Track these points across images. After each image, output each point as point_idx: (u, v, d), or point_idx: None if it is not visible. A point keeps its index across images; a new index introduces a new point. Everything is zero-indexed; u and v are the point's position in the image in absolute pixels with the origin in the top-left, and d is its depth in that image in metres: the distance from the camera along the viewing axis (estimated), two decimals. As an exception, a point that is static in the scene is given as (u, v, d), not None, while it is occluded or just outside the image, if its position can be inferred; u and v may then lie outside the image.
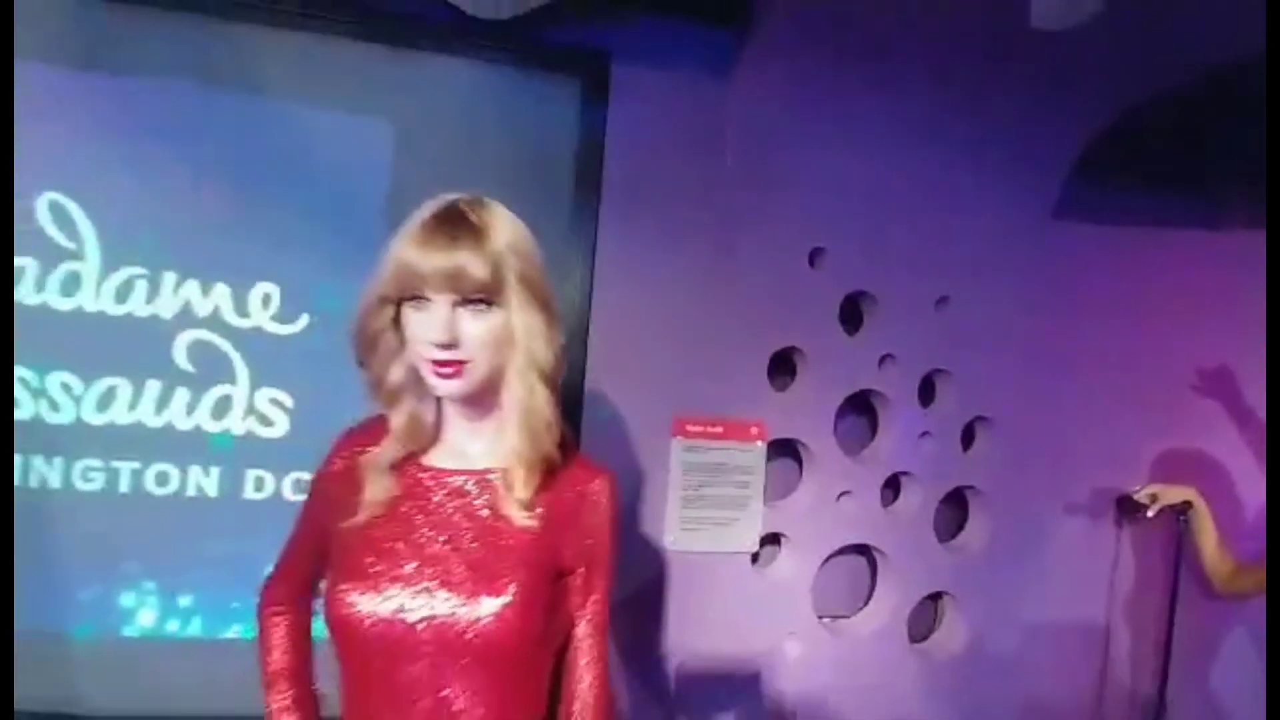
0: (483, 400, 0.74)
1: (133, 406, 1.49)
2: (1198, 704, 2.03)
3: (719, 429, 1.67)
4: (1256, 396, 2.04)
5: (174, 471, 1.51)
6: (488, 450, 0.75)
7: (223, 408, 1.52)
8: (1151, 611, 2.03)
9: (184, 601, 1.53)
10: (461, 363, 0.68)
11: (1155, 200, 1.92)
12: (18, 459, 1.46)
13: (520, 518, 0.71)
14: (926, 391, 1.89)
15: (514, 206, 1.62)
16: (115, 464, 1.49)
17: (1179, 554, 1.89)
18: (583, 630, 0.76)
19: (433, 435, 0.77)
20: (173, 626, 1.53)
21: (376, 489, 0.72)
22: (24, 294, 1.46)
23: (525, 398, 0.71)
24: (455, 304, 0.68)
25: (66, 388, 1.47)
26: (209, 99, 1.50)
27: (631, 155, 1.62)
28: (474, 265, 0.67)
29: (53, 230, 1.46)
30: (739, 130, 1.66)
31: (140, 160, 1.48)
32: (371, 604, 0.67)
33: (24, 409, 1.46)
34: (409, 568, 0.69)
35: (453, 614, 0.67)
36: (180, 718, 1.53)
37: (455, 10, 1.42)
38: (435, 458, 0.76)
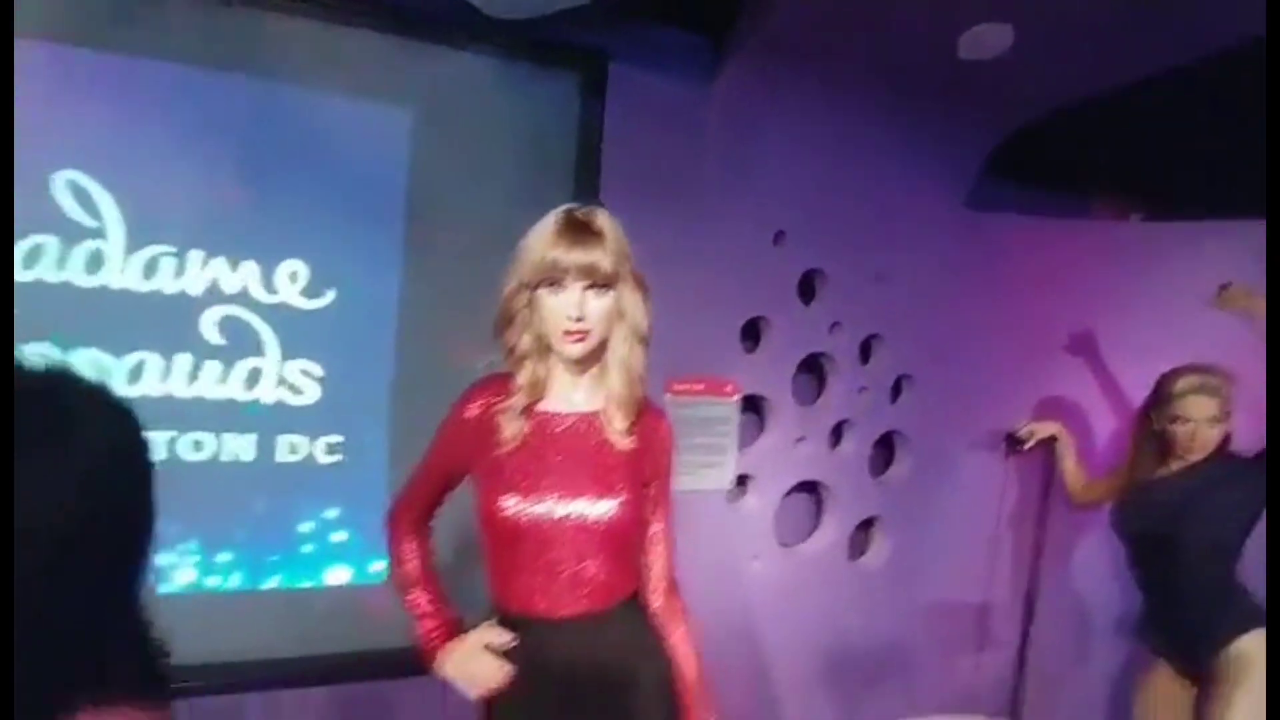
0: (585, 360, 0.97)
1: (164, 379, 1.57)
2: (1065, 593, 2.59)
3: (700, 386, 1.96)
4: (1108, 354, 2.57)
5: (209, 439, 1.61)
6: (587, 397, 0.99)
7: (254, 378, 1.62)
8: (1029, 524, 2.54)
9: (224, 558, 1.65)
10: (586, 332, 0.92)
11: (1047, 195, 2.35)
12: (48, 432, 1.51)
13: (622, 443, 0.96)
14: (864, 353, 2.25)
15: (521, 188, 1.80)
16: (148, 434, 1.57)
17: (1049, 476, 2.39)
18: (655, 527, 1.05)
19: (545, 388, 0.99)
20: (213, 581, 1.64)
21: (514, 429, 0.95)
22: (44, 272, 1.49)
23: (627, 356, 0.97)
24: (584, 288, 0.90)
25: (96, 363, 1.53)
26: (235, 83, 1.56)
27: (626, 145, 1.82)
28: (604, 261, 0.91)
29: (73, 209, 1.49)
30: (717, 125, 1.90)
31: (166, 142, 1.53)
32: (525, 508, 0.92)
33: (51, 383, 1.51)
34: (548, 482, 0.93)
35: (584, 512, 0.93)
36: (222, 664, 1.66)
37: (470, 7, 1.56)
38: (549, 405, 1.00)
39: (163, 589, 1.61)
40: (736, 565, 2.09)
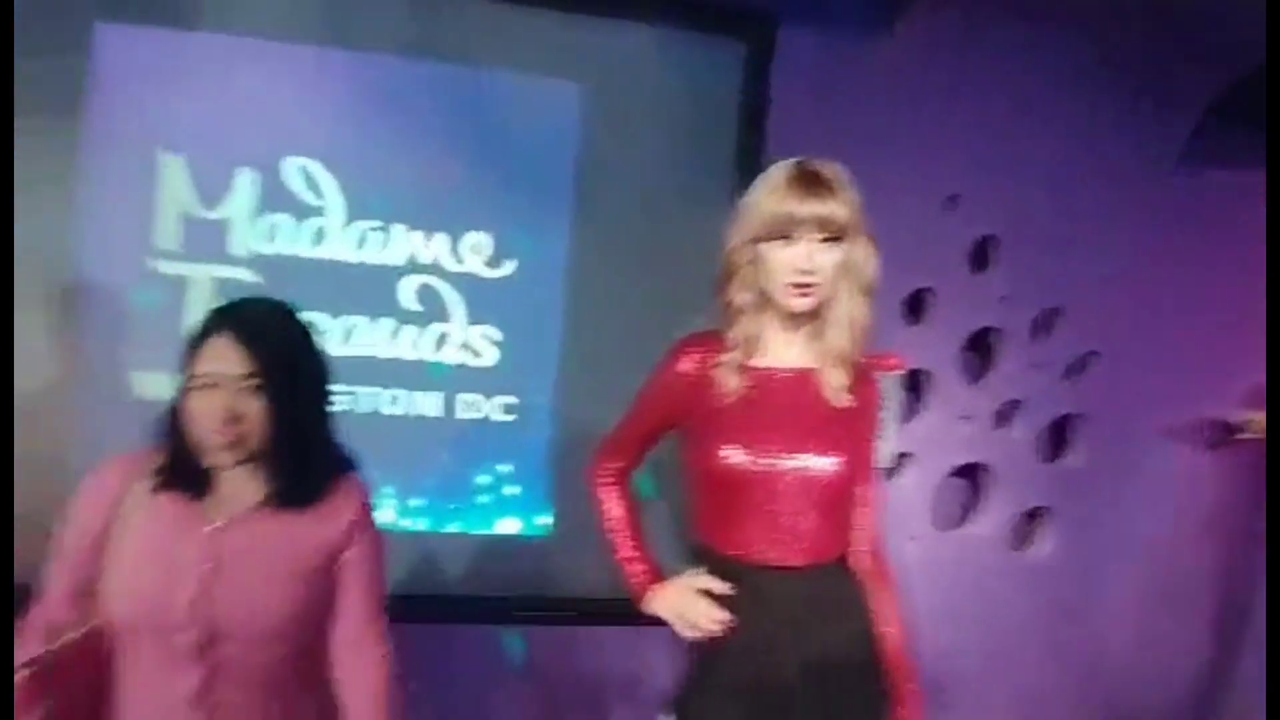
0: (802, 316, 0.97)
1: (371, 340, 1.77)
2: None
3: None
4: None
5: (404, 395, 1.79)
6: (800, 354, 0.99)
7: (441, 341, 1.78)
8: (1235, 530, 2.24)
9: (415, 503, 1.83)
10: (815, 285, 0.91)
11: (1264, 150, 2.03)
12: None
13: (840, 400, 0.96)
14: (1041, 328, 2.07)
15: (686, 158, 1.82)
16: (356, 389, 1.78)
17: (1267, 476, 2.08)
18: (865, 488, 1.04)
19: (759, 344, 1.00)
20: (407, 523, 1.84)
21: (732, 384, 0.97)
22: (280, 246, 1.72)
23: (853, 311, 0.95)
24: (818, 240, 0.90)
25: (318, 325, 1.75)
26: (427, 70, 1.71)
27: (791, 110, 1.79)
28: (839, 212, 0.90)
29: (303, 190, 1.71)
30: (890, 84, 1.81)
31: (374, 127, 1.71)
32: (748, 459, 0.94)
33: (284, 342, 1.75)
34: (769, 435, 0.95)
35: (806, 466, 0.94)
36: (415, 595, 1.86)
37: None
38: (764, 360, 1.00)
39: (367, 526, 1.83)
40: (892, 544, 2.02)
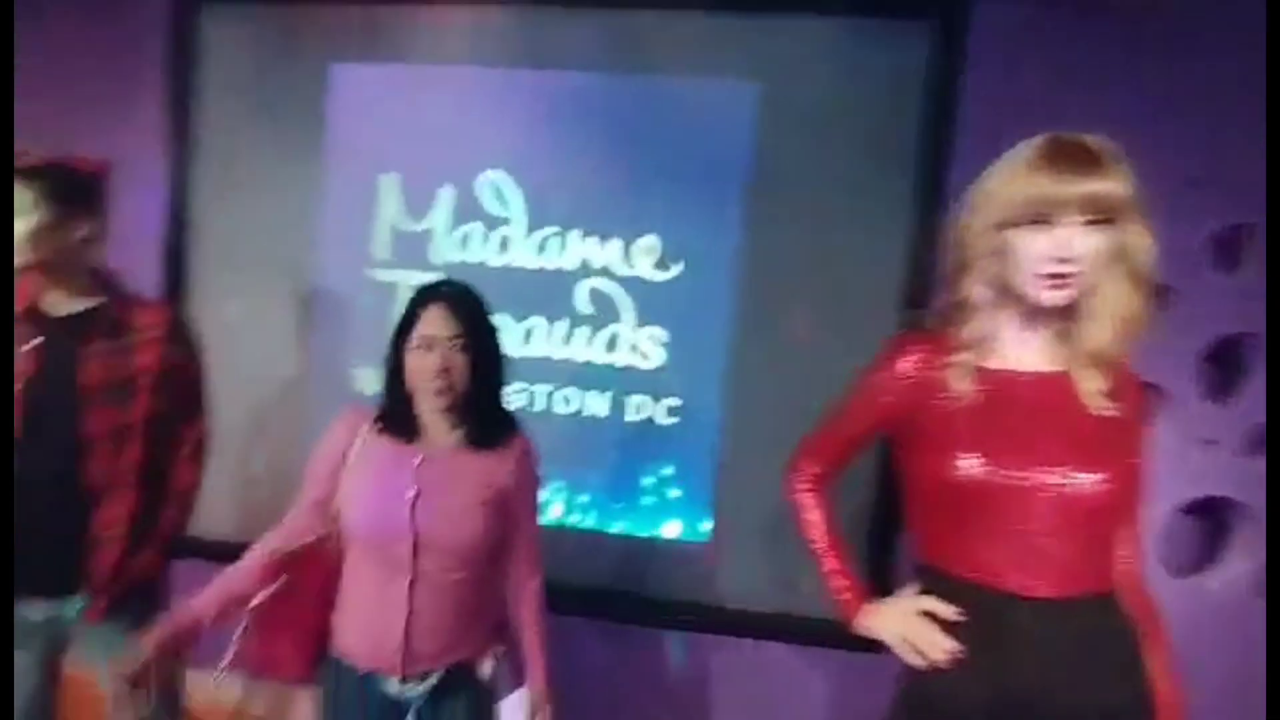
0: (1047, 313, 0.85)
1: (547, 341, 1.86)
2: None
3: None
4: None
5: (575, 394, 1.86)
6: (1042, 353, 0.87)
7: (611, 343, 1.84)
8: None
9: (582, 499, 1.90)
10: (1073, 275, 0.79)
11: None
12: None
13: (1100, 408, 0.83)
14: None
15: (868, 150, 1.72)
16: (533, 387, 1.88)
17: None
18: (1133, 511, 0.89)
19: (994, 344, 0.89)
20: (574, 519, 1.91)
21: (964, 386, 0.87)
22: (471, 254, 1.88)
23: (1121, 304, 0.81)
24: (1081, 224, 0.78)
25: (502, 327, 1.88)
26: (611, 83, 1.79)
27: (988, 93, 1.63)
28: (1108, 189, 0.78)
29: (492, 202, 1.85)
30: (1102, 57, 1.59)
31: (556, 140, 1.81)
32: (988, 470, 0.83)
33: (471, 342, 1.90)
34: (1014, 445, 0.84)
35: (1059, 483, 0.81)
36: (581, 588, 1.93)
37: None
38: (999, 362, 0.89)
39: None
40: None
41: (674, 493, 1.85)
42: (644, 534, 1.87)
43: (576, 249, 1.82)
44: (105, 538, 1.25)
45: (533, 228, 1.84)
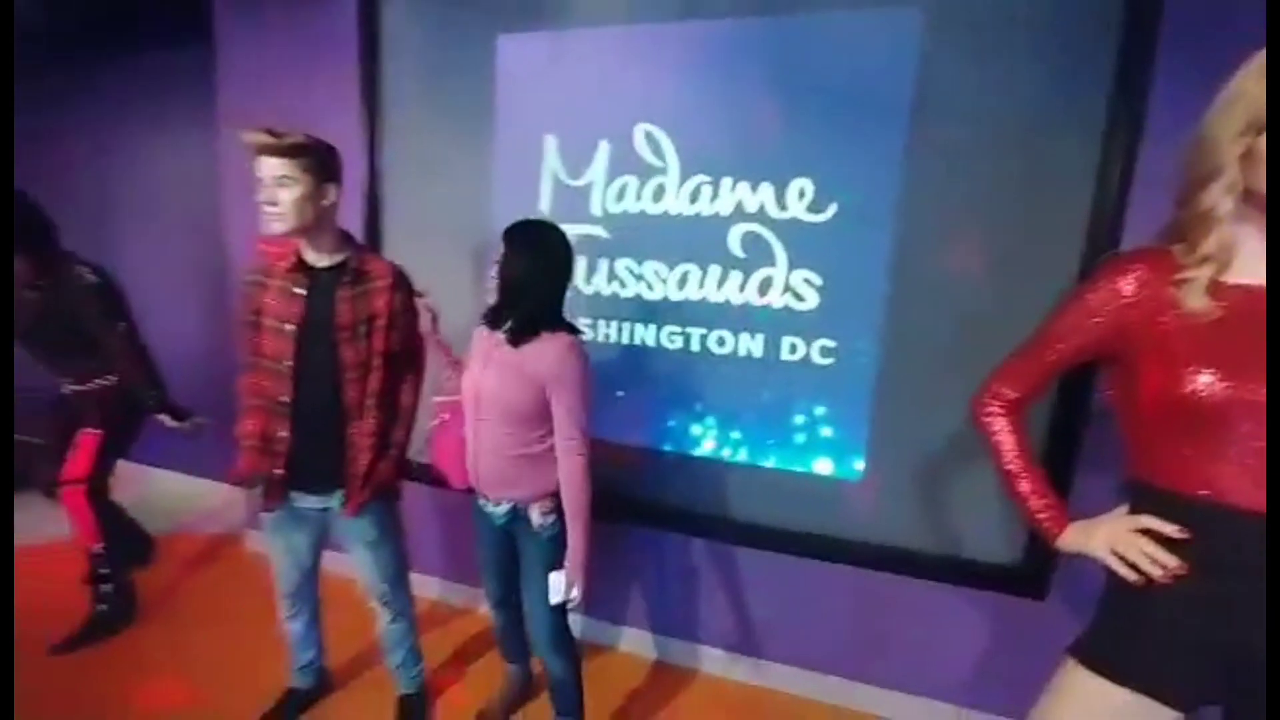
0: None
1: (701, 286, 1.95)
2: None
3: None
4: None
5: (729, 336, 1.95)
6: None
7: (766, 286, 1.89)
8: None
9: (734, 435, 2.00)
10: None
11: None
12: (626, 326, 2.06)
13: None
14: None
15: (1046, 79, 1.61)
16: (689, 330, 1.99)
17: None
18: None
19: (1233, 257, 0.85)
20: (726, 453, 2.02)
21: (1200, 303, 0.84)
22: (628, 204, 2.00)
23: None
24: None
25: (657, 273, 2.00)
26: (763, 27, 1.78)
27: (1195, 8, 1.46)
28: None
29: (646, 153, 1.95)
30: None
31: (709, 89, 1.85)
32: (1228, 386, 0.81)
33: (629, 289, 2.04)
34: (1253, 363, 0.81)
35: None
36: (726, 519, 2.05)
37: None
38: (1236, 277, 0.85)
39: (694, 451, 2.06)
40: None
41: (826, 431, 1.90)
42: (796, 469, 1.95)
43: (729, 195, 1.88)
44: (359, 447, 1.54)
45: (686, 176, 1.91)
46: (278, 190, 1.39)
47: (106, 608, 2.18)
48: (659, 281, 1.99)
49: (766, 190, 1.84)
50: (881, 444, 1.87)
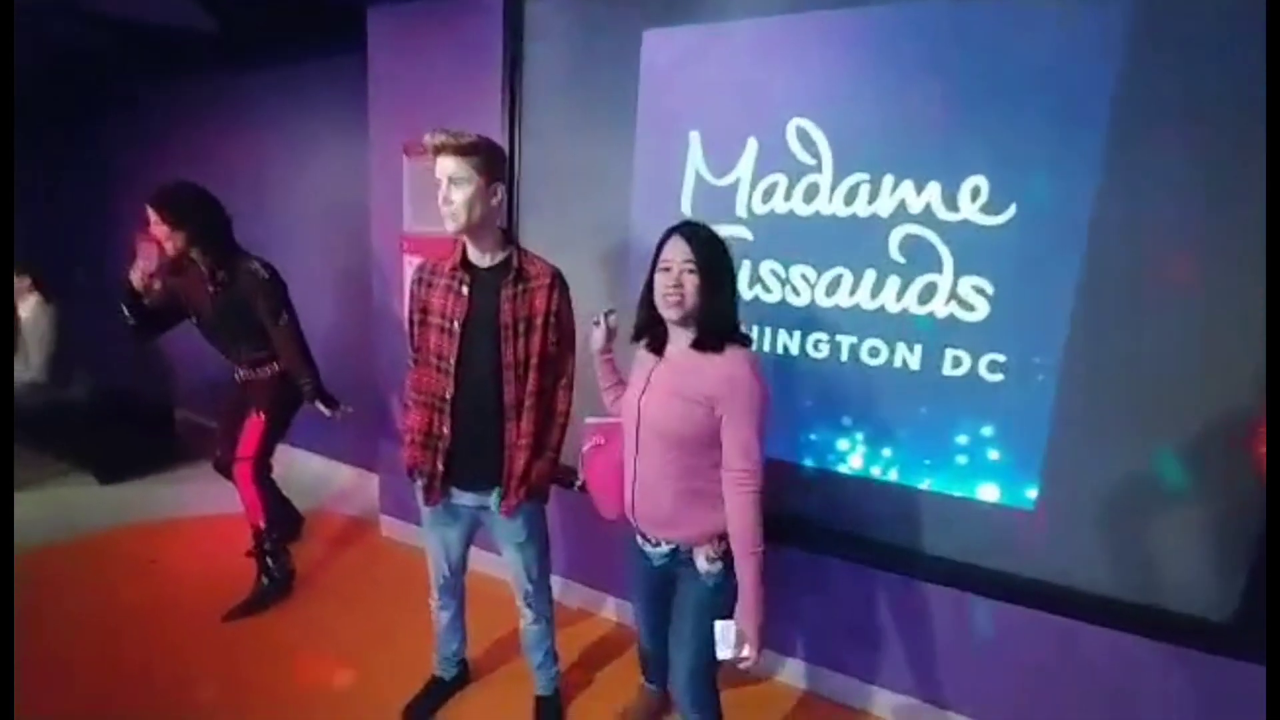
0: None
1: (853, 292, 1.83)
2: None
3: None
4: None
5: (883, 346, 1.81)
6: None
7: (928, 293, 1.74)
8: None
9: (885, 453, 1.87)
10: None
11: None
12: (768, 332, 1.97)
13: None
14: None
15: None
16: (838, 338, 1.87)
17: None
18: None
19: None
20: (875, 471, 1.89)
21: None
22: (775, 204, 1.91)
23: None
24: None
25: (805, 278, 1.89)
26: (928, 9, 1.63)
27: None
28: None
29: (798, 150, 1.85)
30: None
31: (862, 80, 1.72)
32: None
33: (773, 294, 1.94)
34: None
35: None
36: (871, 540, 1.92)
37: None
38: None
39: (838, 467, 1.94)
40: None
41: (993, 454, 1.73)
42: (956, 493, 1.79)
43: (890, 195, 1.74)
44: (516, 448, 1.55)
45: (842, 175, 1.79)
46: (452, 190, 1.41)
47: (268, 581, 2.35)
48: (806, 286, 1.89)
49: (933, 189, 1.69)
50: (1060, 471, 1.67)
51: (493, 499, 1.58)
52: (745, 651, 1.29)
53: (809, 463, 1.97)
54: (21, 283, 3.25)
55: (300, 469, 3.61)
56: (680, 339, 1.36)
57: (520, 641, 1.84)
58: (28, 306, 3.27)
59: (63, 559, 2.62)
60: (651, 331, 1.42)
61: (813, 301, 1.89)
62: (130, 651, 2.10)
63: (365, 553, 2.84)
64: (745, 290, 1.97)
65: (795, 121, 1.84)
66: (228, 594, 2.35)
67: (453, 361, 1.50)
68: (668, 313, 1.33)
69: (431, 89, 2.47)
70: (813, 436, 1.95)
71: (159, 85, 3.97)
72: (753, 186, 1.92)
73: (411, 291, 1.58)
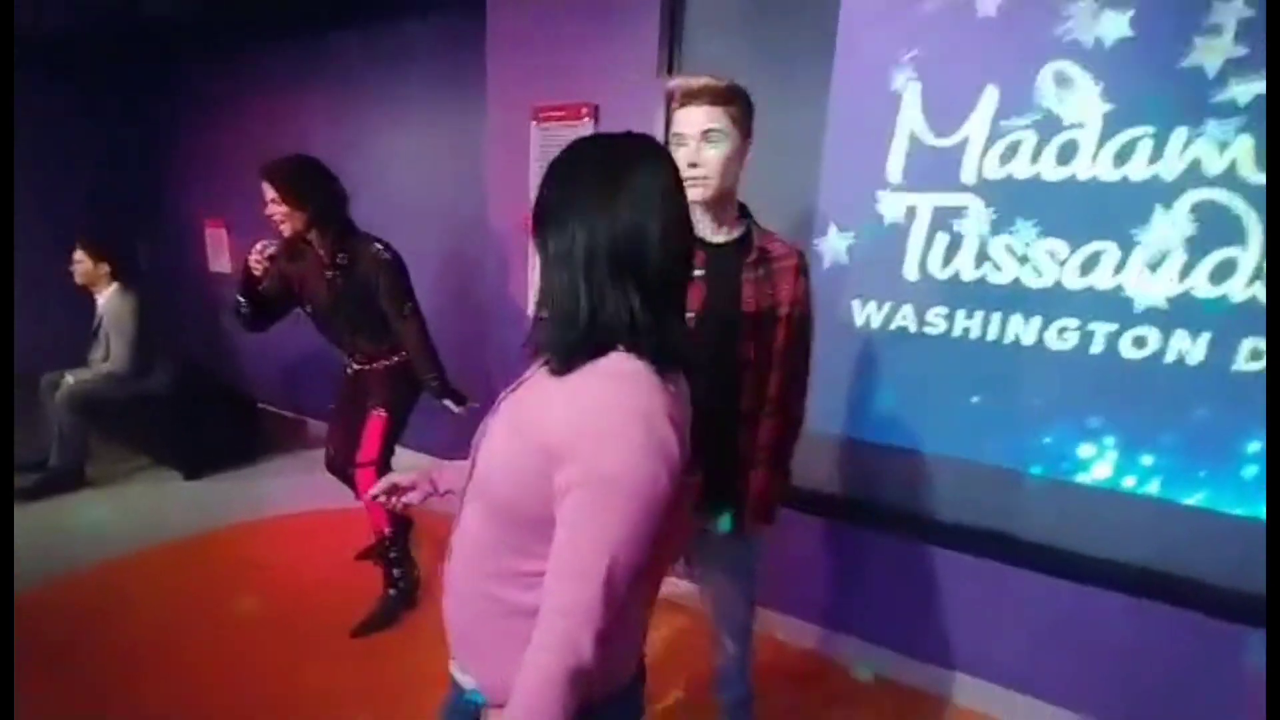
0: None
1: (1117, 270, 1.54)
2: None
3: None
4: None
5: (1153, 335, 1.52)
6: None
7: (1224, 271, 1.44)
8: None
9: (1146, 460, 1.58)
10: None
11: None
12: (996, 316, 1.69)
13: None
14: None
15: None
16: (1091, 325, 1.58)
17: None
18: None
19: None
20: (1129, 482, 1.61)
21: None
22: (1016, 168, 1.61)
23: None
24: None
25: (1051, 254, 1.60)
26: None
27: None
28: None
29: (1053, 101, 1.54)
30: None
31: (1152, 14, 1.42)
32: None
33: (1005, 273, 1.66)
34: None
35: None
36: (1120, 563, 1.65)
37: None
38: None
39: (1077, 477, 1.66)
40: None
41: (1296, 465, 1.45)
42: (1237, 512, 1.51)
43: (1180, 153, 1.43)
44: (753, 461, 1.29)
45: (1113, 130, 1.49)
46: (704, 148, 1.13)
47: (395, 591, 2.14)
48: (1053, 265, 1.59)
49: (1245, 144, 1.39)
50: (1387, 487, 1.39)
51: (722, 521, 1.33)
52: None
53: (1037, 470, 1.69)
54: (100, 269, 3.04)
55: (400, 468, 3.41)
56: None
57: (715, 678, 1.61)
58: (106, 295, 3.06)
59: (158, 564, 2.44)
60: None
61: (1058, 282, 1.60)
62: (257, 669, 1.90)
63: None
64: (968, 269, 1.68)
65: (1052, 65, 1.53)
66: (347, 602, 2.15)
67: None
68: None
69: (565, 38, 2.18)
70: (1046, 440, 1.67)
71: (231, 51, 3.71)
72: (987, 146, 1.62)
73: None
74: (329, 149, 3.30)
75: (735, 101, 1.13)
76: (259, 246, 1.92)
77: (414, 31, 2.96)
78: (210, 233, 4.12)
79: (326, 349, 2.29)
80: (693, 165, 1.14)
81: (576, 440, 0.64)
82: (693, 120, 1.13)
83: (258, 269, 1.93)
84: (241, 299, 2.00)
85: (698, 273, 1.23)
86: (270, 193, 1.88)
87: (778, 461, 1.33)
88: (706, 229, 1.25)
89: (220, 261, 4.11)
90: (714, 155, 1.13)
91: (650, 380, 0.69)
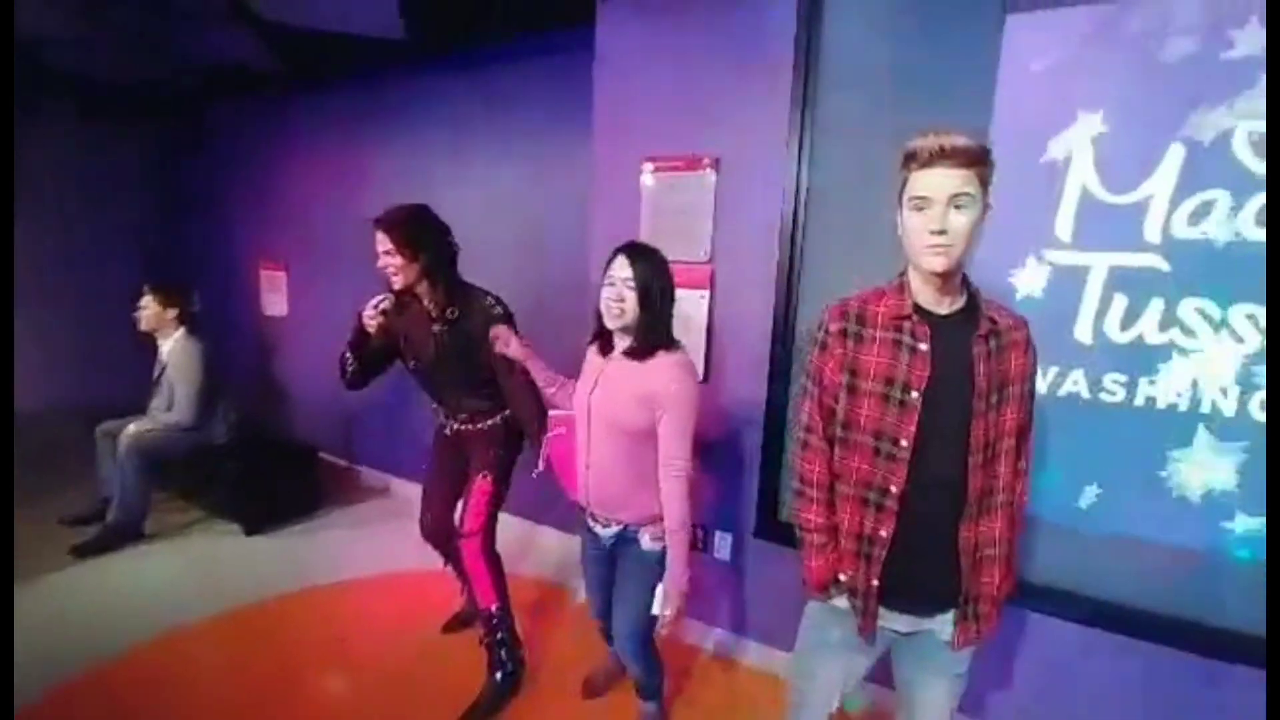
0: None
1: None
2: None
3: None
4: None
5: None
6: None
7: None
8: None
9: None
10: None
11: None
12: (1183, 388, 1.56)
13: None
14: None
15: None
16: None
17: None
18: None
19: None
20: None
21: None
22: (1210, 227, 1.49)
23: None
24: None
25: (1251, 318, 1.48)
26: None
27: None
28: None
29: (1248, 160, 1.45)
30: None
31: None
32: None
33: (1197, 337, 1.52)
34: None
35: None
36: (1191, 622, 1.47)
37: None
38: None
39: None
40: None
41: None
42: None
43: None
44: (979, 556, 1.15)
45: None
46: (950, 214, 1.03)
47: (501, 676, 1.96)
48: (1252, 329, 1.48)
49: None
50: None
51: (945, 627, 1.18)
52: (666, 611, 1.51)
53: (1244, 555, 1.54)
54: (168, 314, 2.95)
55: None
56: (623, 345, 1.53)
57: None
58: (171, 341, 2.96)
59: (230, 632, 2.27)
60: (603, 336, 1.59)
61: (1258, 351, 1.48)
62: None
63: (566, 625, 2.43)
64: (1152, 333, 1.56)
65: (1247, 125, 1.44)
66: (444, 684, 1.97)
67: (907, 444, 1.11)
68: (610, 323, 1.49)
69: (684, 84, 2.11)
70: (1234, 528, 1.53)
71: (293, 95, 3.70)
72: (1173, 205, 1.52)
73: (826, 343, 1.20)
74: (411, 197, 3.28)
75: (986, 162, 1.03)
76: (374, 301, 1.82)
77: (511, 68, 2.92)
78: (266, 275, 4.05)
79: (380, 395, 2.16)
80: (938, 233, 1.03)
81: (664, 390, 1.44)
82: (941, 184, 1.02)
83: (371, 325, 1.82)
84: (349, 355, 1.89)
85: (922, 347, 1.11)
86: (385, 243, 1.79)
87: (1011, 555, 1.19)
88: (929, 299, 1.13)
89: (276, 305, 4.03)
90: (962, 222, 1.03)
91: (690, 360, 1.52)
